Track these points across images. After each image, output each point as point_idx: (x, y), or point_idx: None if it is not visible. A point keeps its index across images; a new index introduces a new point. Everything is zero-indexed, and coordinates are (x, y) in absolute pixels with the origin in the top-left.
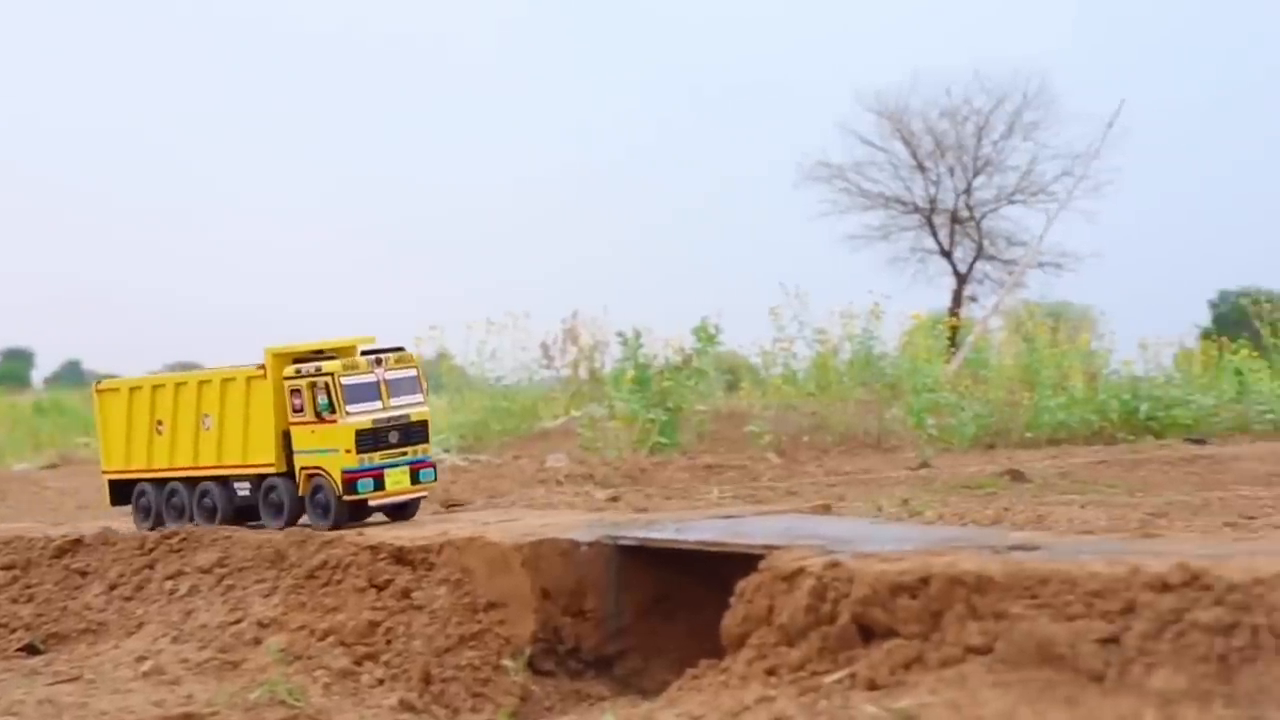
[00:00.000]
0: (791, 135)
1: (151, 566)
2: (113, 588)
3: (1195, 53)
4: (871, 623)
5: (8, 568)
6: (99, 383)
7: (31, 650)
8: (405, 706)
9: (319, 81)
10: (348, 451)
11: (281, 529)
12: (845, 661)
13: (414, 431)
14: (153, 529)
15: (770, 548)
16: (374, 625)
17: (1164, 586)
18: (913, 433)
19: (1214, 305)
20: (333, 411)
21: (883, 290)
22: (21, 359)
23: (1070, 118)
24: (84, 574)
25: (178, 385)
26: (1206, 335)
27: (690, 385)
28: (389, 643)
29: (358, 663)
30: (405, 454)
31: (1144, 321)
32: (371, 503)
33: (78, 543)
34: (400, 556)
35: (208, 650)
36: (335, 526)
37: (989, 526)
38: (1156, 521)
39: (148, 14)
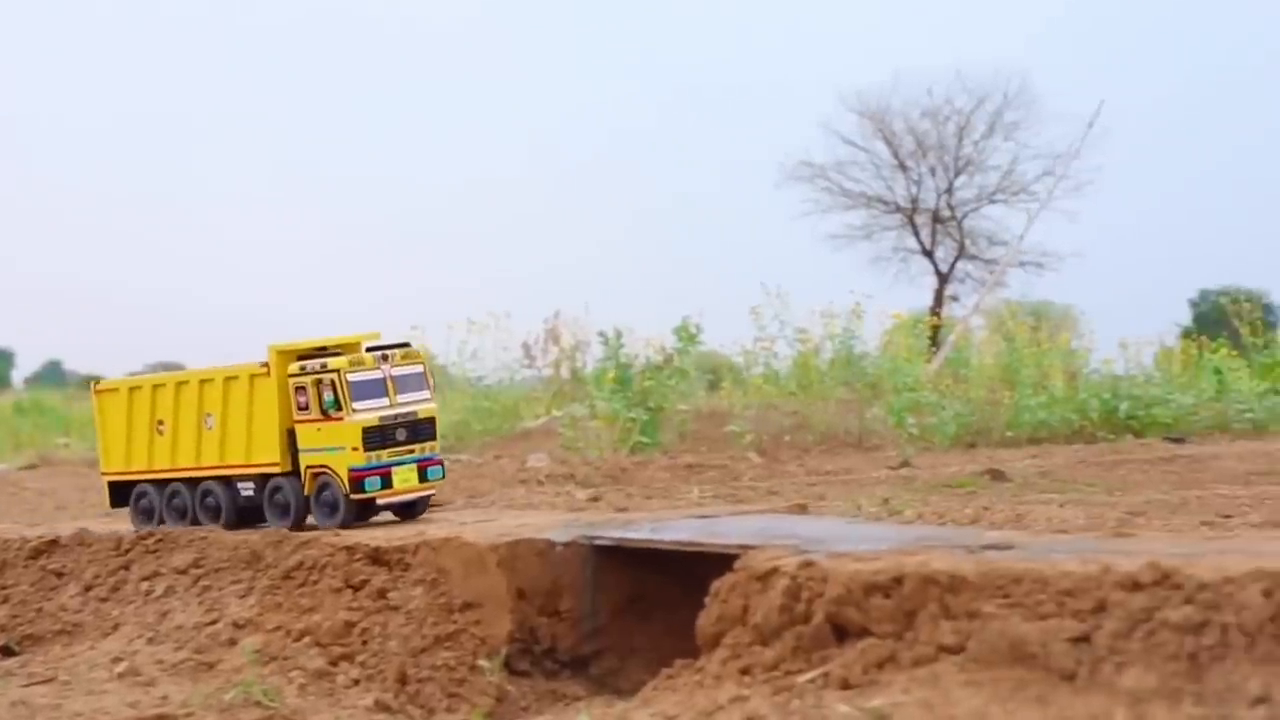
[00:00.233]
0: (774, 135)
1: (127, 568)
2: (88, 589)
3: (1176, 53)
4: (845, 622)
5: None
6: (97, 383)
7: (6, 652)
8: (381, 707)
9: (300, 77)
10: (354, 449)
11: (289, 529)
12: (819, 661)
13: (422, 428)
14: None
15: (745, 548)
16: (350, 626)
17: (1135, 585)
18: (894, 432)
19: (1194, 304)
20: (339, 409)
21: (865, 290)
22: (2, 359)
23: (1051, 118)
24: (60, 575)
25: (179, 384)
26: (1187, 334)
27: (671, 385)
28: (365, 643)
29: (333, 663)
30: (413, 451)
31: (1125, 321)
32: (379, 501)
33: (53, 544)
34: (376, 557)
35: (183, 651)
36: (343, 526)
37: (968, 526)
38: (1134, 520)
39: (126, 6)
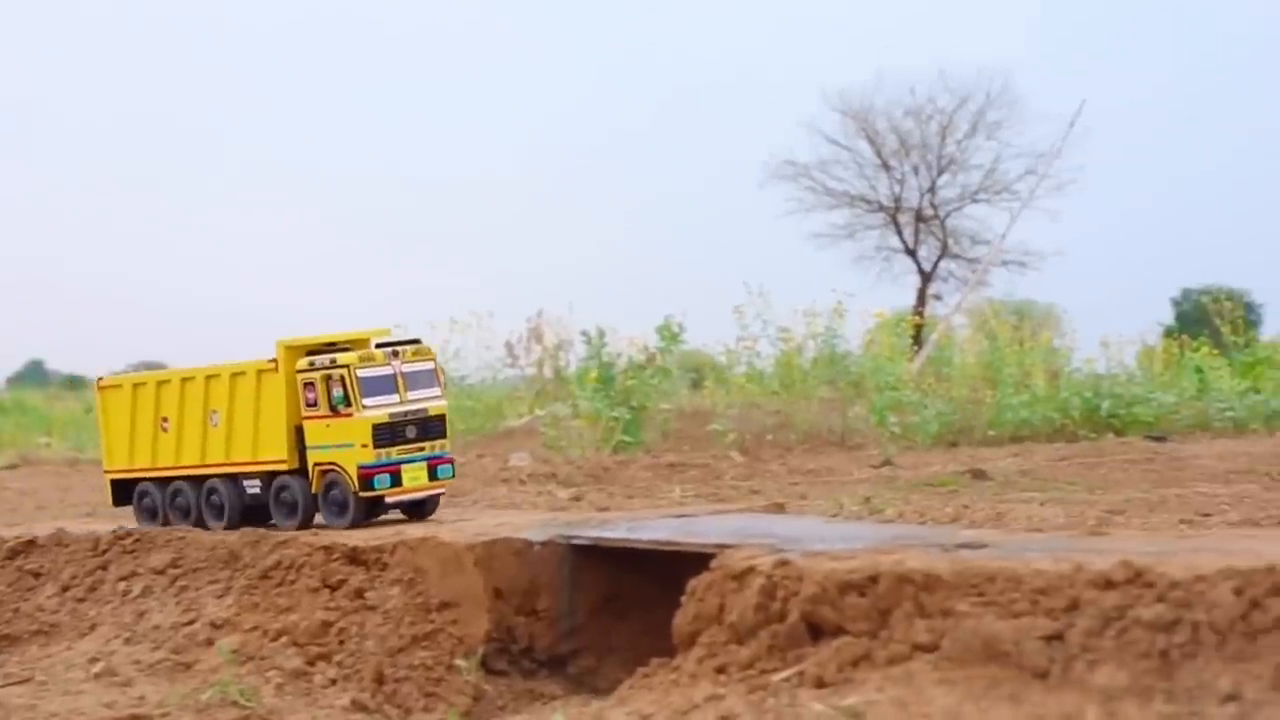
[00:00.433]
0: (757, 135)
1: (105, 568)
2: (65, 589)
3: (1158, 53)
4: (820, 621)
5: None
6: (100, 379)
7: None
8: (358, 706)
9: (288, 74)
10: (364, 446)
11: (296, 529)
12: (794, 660)
13: (432, 426)
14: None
15: (722, 547)
16: (327, 625)
17: (1108, 584)
18: (876, 431)
19: (1177, 303)
20: (349, 405)
21: (848, 288)
22: None
23: (1034, 117)
24: (37, 575)
25: (184, 381)
26: (1169, 333)
27: (654, 384)
28: (342, 643)
29: (310, 663)
30: (423, 449)
31: (1109, 320)
32: (389, 499)
33: (31, 544)
34: (354, 556)
35: (160, 651)
36: (352, 524)
37: (948, 524)
38: (1113, 519)
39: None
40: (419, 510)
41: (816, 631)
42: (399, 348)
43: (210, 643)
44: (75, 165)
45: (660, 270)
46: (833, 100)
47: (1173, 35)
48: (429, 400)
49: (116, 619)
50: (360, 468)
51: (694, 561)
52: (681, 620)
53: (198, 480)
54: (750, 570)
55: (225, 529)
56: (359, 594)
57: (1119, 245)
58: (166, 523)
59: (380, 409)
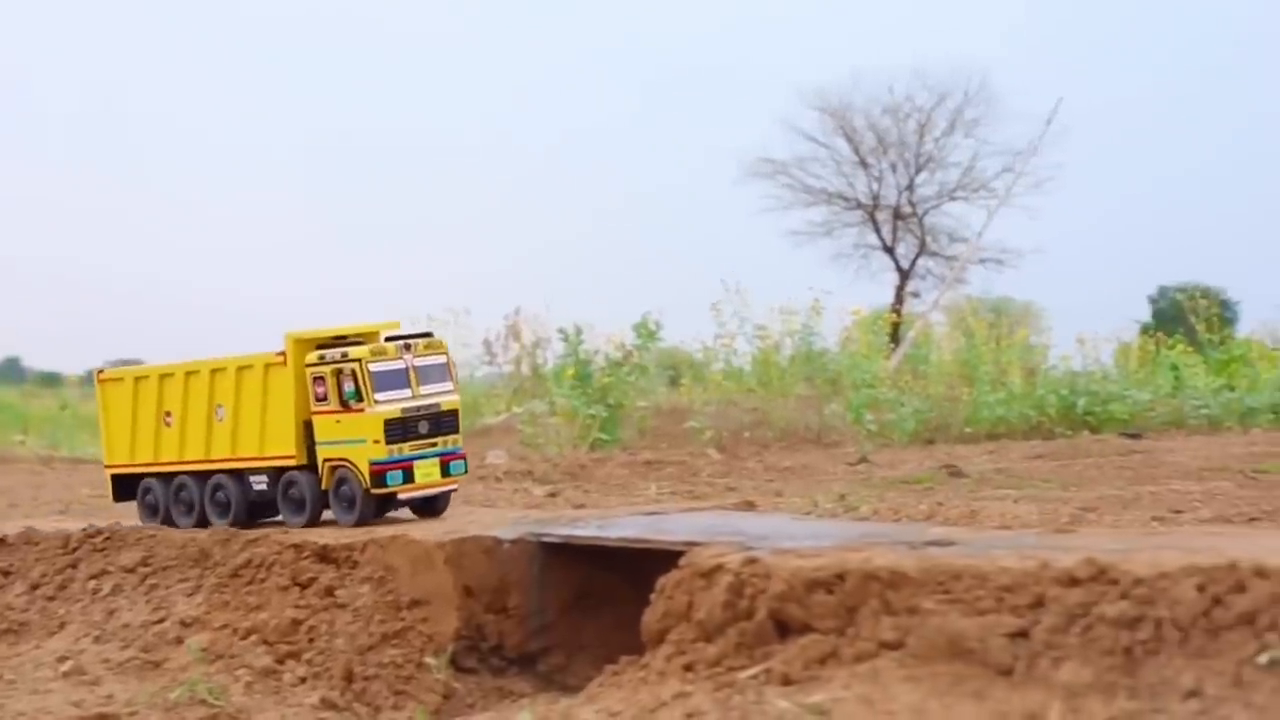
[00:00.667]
0: (735, 131)
1: (75, 566)
2: (35, 587)
3: (1137, 51)
4: (788, 618)
5: None
6: (101, 372)
7: None
8: (327, 704)
9: (255, 69)
10: (376, 442)
11: (304, 525)
12: (761, 657)
13: (444, 421)
14: (161, 526)
15: (691, 544)
16: (297, 623)
17: (1072, 581)
18: (853, 428)
19: (1154, 301)
20: (360, 400)
21: (826, 286)
22: None
23: (1011, 115)
24: (6, 574)
25: (188, 374)
26: (1145, 331)
27: (631, 381)
28: (311, 641)
29: (280, 661)
30: (435, 445)
31: (1086, 317)
32: (401, 496)
33: (0, 542)
34: (324, 555)
35: (130, 650)
36: (361, 521)
37: (922, 522)
38: (1086, 516)
39: None
40: (430, 507)
41: (784, 629)
42: (411, 341)
43: (180, 641)
44: (50, 160)
45: (638, 268)
46: (810, 98)
47: (1150, 35)
48: (441, 395)
49: (86, 617)
50: (372, 464)
51: (664, 559)
52: (650, 618)
53: (202, 476)
54: (718, 568)
55: (231, 525)
56: (329, 592)
57: (1097, 243)
58: (169, 519)
59: (392, 404)
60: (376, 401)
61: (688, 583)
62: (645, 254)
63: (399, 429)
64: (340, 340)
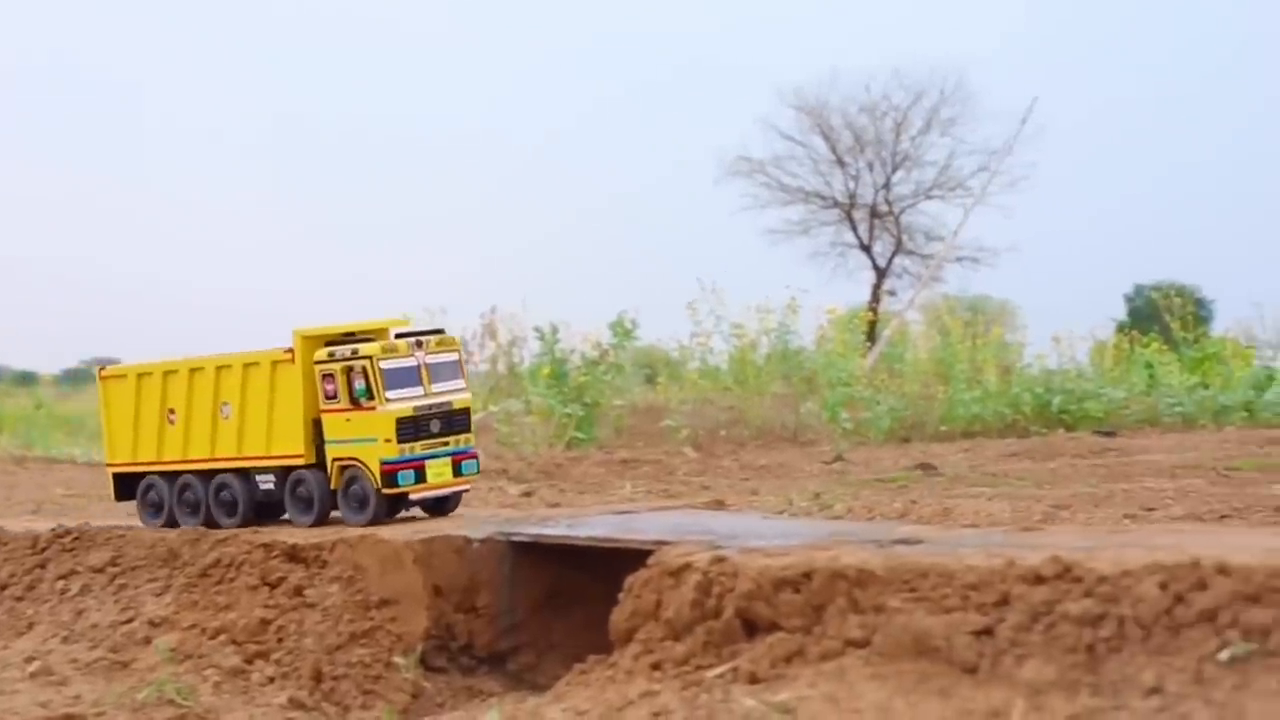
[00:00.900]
0: (712, 130)
1: (43, 566)
2: (3, 588)
3: (1113, 51)
4: (755, 617)
5: None
6: (103, 368)
7: None
8: (295, 704)
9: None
10: (387, 441)
11: (311, 525)
12: (728, 655)
13: (456, 420)
14: (164, 526)
15: (660, 543)
16: (265, 623)
17: (1037, 579)
18: (829, 427)
19: (1130, 299)
20: (371, 398)
21: (802, 284)
22: None
23: (987, 114)
24: None
25: (193, 371)
26: (1121, 329)
27: (607, 380)
28: (280, 640)
29: (248, 661)
30: (447, 444)
31: (1063, 316)
32: (412, 496)
33: None
34: (293, 554)
35: (98, 650)
36: (372, 521)
37: (895, 520)
38: (1059, 514)
39: None
40: (441, 507)
41: (751, 628)
42: (422, 338)
43: (148, 641)
44: (29, 156)
45: (614, 266)
46: (788, 97)
47: (1128, 36)
48: (453, 393)
49: (54, 618)
50: (383, 463)
51: (634, 558)
52: (619, 617)
53: (207, 475)
54: (687, 567)
55: (238, 525)
56: (298, 591)
57: (1073, 241)
58: (172, 520)
59: (404, 402)
60: (388, 400)
61: (656, 582)
62: (624, 253)
63: (411, 428)
64: (349, 337)
